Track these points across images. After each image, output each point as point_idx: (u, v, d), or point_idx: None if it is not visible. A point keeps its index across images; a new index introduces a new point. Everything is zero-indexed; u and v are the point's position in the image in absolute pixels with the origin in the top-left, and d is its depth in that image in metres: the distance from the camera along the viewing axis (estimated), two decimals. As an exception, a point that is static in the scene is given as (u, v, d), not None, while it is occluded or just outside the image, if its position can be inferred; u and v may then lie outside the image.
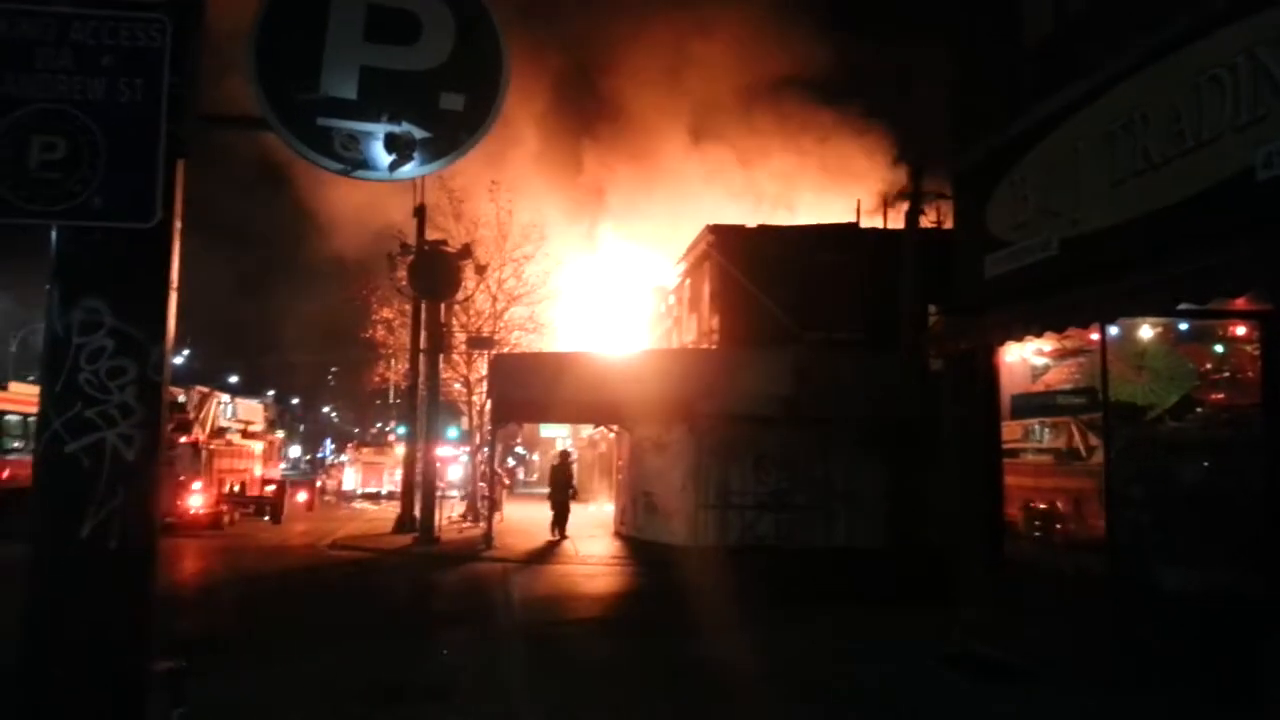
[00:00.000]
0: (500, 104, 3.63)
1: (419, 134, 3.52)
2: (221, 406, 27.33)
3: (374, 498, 41.05)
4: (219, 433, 26.42)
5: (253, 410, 30.91)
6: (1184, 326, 8.75)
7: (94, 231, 3.22)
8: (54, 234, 3.25)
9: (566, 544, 20.96)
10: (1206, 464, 8.71)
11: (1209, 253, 6.62)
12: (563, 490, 22.58)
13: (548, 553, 19.84)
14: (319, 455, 75.24)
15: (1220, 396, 8.75)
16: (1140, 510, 8.57)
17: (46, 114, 3.21)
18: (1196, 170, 7.07)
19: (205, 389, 27.27)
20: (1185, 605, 7.67)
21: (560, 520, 22.28)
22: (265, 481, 29.05)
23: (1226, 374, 8.80)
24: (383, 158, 3.51)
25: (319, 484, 41.53)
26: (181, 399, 24.27)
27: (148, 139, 3.26)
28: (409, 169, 3.58)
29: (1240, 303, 7.61)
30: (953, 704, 7.96)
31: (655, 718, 7.53)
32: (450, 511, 27.72)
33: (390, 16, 3.54)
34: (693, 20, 49.05)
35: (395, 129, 3.48)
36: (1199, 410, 8.71)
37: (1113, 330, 8.50)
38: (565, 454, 25.01)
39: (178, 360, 42.51)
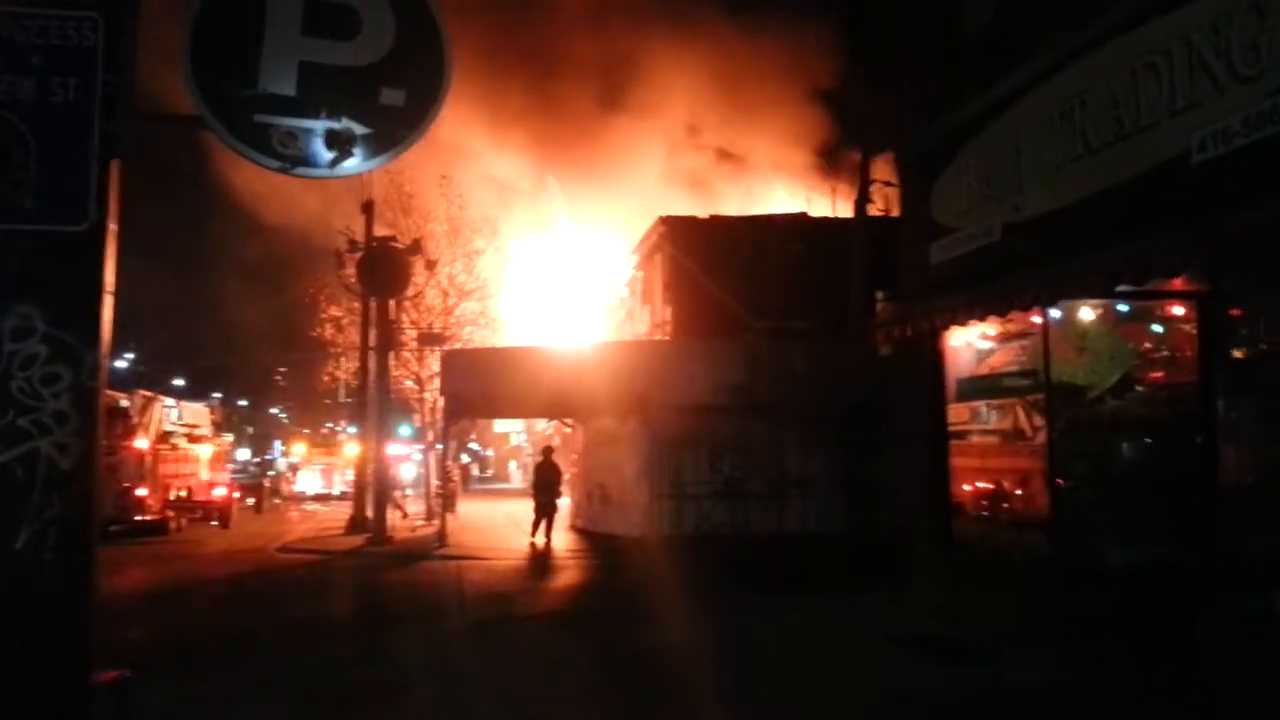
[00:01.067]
0: (443, 99, 3.59)
1: (359, 130, 3.48)
2: (166, 410, 26.81)
3: (325, 499, 40.53)
4: (163, 437, 25.90)
5: (198, 414, 30.36)
6: (1123, 308, 8.93)
7: (25, 235, 3.13)
8: (-17, 237, 3.16)
9: (524, 540, 20.84)
10: (1147, 441, 8.92)
11: (1147, 235, 6.77)
12: (547, 490, 20.19)
13: (502, 549, 19.75)
14: (268, 457, 74.11)
15: (1159, 375, 8.95)
16: (1083, 488, 8.75)
17: (-28, 115, 3.12)
18: (1134, 155, 7.22)
19: (149, 393, 26.73)
20: (1128, 579, 7.86)
21: (542, 523, 19.86)
22: (212, 486, 28.58)
23: (1165, 353, 8.99)
24: (323, 154, 3.46)
25: (269, 487, 40.92)
26: (124, 403, 23.76)
27: (81, 139, 3.19)
28: (350, 165, 3.53)
29: (1178, 283, 7.77)
30: (903, 683, 8.07)
31: (608, 709, 7.54)
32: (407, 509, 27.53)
33: (329, 11, 3.49)
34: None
35: (335, 125, 3.44)
36: (1139, 389, 8.90)
37: (1054, 313, 8.65)
38: (549, 449, 22.36)
39: (120, 364, 41.69)
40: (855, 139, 19.71)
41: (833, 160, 23.32)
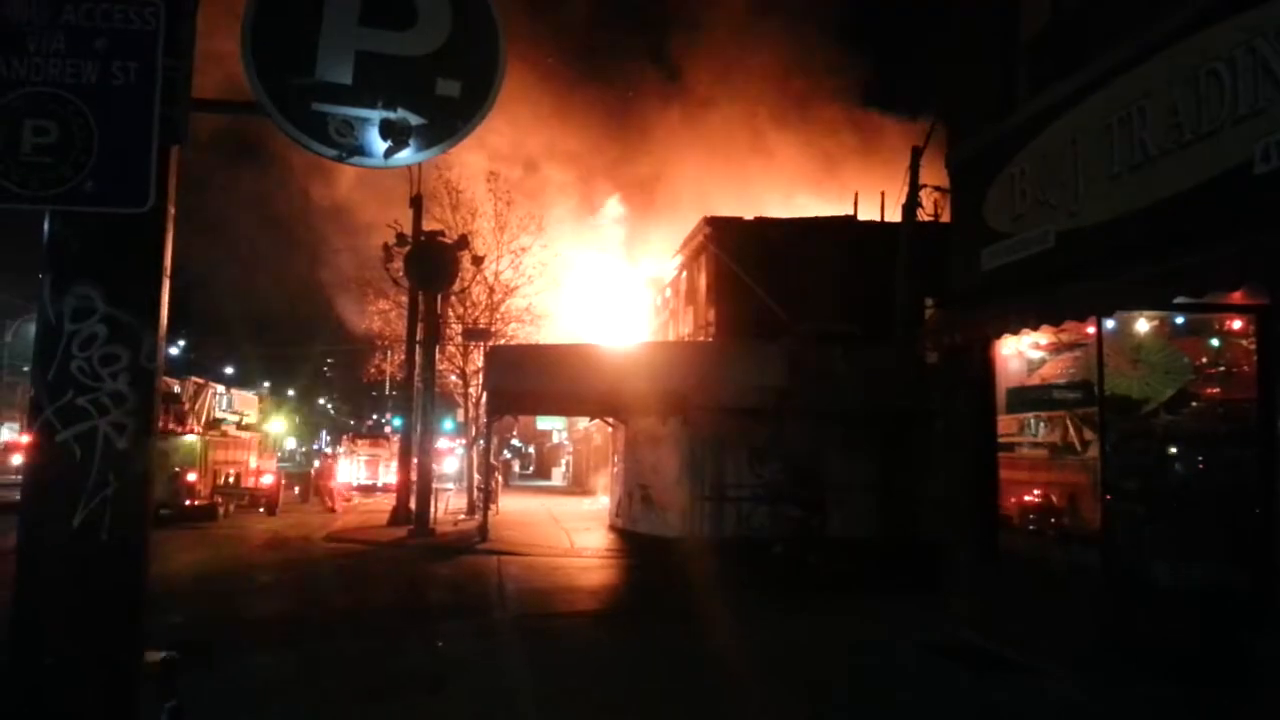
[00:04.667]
0: (497, 90, 3.60)
1: (414, 120, 3.49)
2: (216, 398, 27.27)
3: (369, 490, 40.99)
4: (214, 424, 26.36)
5: (248, 402, 30.85)
6: (1180, 320, 8.74)
7: (87, 217, 3.18)
8: (46, 219, 3.22)
9: (564, 537, 20.87)
10: (1201, 458, 8.71)
11: (1206, 246, 6.61)
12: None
13: (543, 546, 19.81)
14: (315, 447, 75.14)
15: (1215, 390, 8.74)
16: (1134, 503, 8.57)
17: (38, 98, 3.18)
18: (1194, 164, 7.05)
19: (200, 380, 27.22)
20: (1178, 598, 7.68)
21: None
22: (260, 473, 29.01)
23: (1222, 368, 8.78)
24: (378, 144, 3.48)
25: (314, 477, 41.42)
26: (177, 390, 24.21)
27: (141, 123, 3.23)
28: (404, 156, 3.55)
29: (1236, 296, 7.59)
30: (945, 693, 7.97)
31: (649, 711, 7.52)
32: (446, 504, 27.73)
33: (386, 1, 3.51)
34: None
35: (391, 115, 3.46)
36: (1194, 404, 8.70)
37: (1109, 323, 8.49)
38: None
39: (173, 351, 42.43)
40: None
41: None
